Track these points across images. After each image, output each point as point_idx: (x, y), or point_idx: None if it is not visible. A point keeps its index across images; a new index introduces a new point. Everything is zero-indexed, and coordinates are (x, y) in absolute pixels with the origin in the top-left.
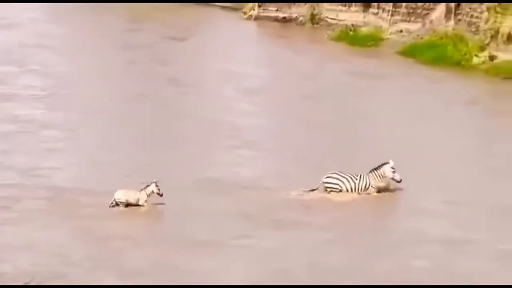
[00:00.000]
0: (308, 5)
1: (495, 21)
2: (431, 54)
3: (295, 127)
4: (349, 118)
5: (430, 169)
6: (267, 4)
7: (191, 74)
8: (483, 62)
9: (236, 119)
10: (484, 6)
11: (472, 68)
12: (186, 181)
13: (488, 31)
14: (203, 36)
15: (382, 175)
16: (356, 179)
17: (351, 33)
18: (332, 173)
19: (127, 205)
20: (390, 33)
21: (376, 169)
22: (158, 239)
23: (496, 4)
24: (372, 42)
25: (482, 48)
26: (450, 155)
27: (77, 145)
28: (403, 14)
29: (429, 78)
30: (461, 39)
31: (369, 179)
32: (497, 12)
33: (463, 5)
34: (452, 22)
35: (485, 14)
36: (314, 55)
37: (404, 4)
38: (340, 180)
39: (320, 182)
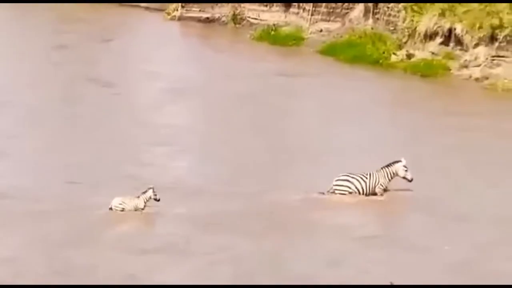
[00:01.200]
0: (230, 5)
1: (412, 20)
2: (350, 52)
3: (222, 127)
4: (274, 117)
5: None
6: (190, 4)
7: (117, 75)
8: (401, 60)
9: (163, 120)
10: (401, 5)
11: (391, 66)
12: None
13: (406, 30)
14: (128, 37)
15: (393, 174)
16: (366, 178)
17: (272, 32)
18: (341, 176)
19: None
20: (311, 33)
21: (387, 166)
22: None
23: (412, 3)
24: (293, 42)
25: (400, 47)
26: (372, 152)
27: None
28: (323, 13)
29: (349, 76)
30: (380, 37)
31: (379, 177)
32: (414, 11)
33: (381, 4)
34: (370, 21)
35: (403, 13)
36: (237, 55)
37: (324, 4)
38: (349, 181)
39: (331, 186)
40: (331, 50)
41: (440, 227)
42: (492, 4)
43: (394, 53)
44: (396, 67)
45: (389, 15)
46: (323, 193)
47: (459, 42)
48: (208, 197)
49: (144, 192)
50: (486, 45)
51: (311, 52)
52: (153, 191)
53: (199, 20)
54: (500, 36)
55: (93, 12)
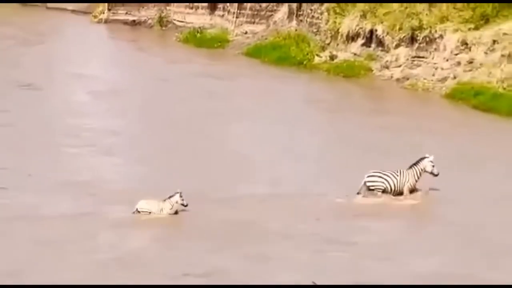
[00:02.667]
0: (156, 8)
1: (334, 22)
2: (275, 54)
3: (148, 129)
4: (199, 119)
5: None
6: (116, 7)
7: (43, 78)
8: (325, 62)
9: (89, 122)
10: (324, 7)
11: (314, 67)
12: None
13: (328, 32)
14: (55, 39)
15: (422, 171)
16: (398, 175)
17: (198, 35)
18: (373, 172)
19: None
20: (236, 35)
21: (415, 164)
22: None
23: (335, 5)
24: (219, 44)
25: (323, 48)
26: (297, 152)
27: None
28: (247, 15)
29: (274, 77)
30: (303, 39)
31: (408, 176)
32: (336, 13)
33: (305, 6)
34: (294, 23)
35: (325, 15)
36: (164, 58)
37: (248, 6)
38: (382, 178)
39: (362, 183)
40: (256, 52)
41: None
42: (412, 5)
43: (317, 55)
44: (320, 68)
45: (312, 17)
46: (358, 193)
47: (380, 43)
48: (134, 198)
49: (171, 197)
50: (406, 46)
51: (236, 54)
52: (180, 196)
53: (125, 23)
54: (420, 37)
55: (19, 16)
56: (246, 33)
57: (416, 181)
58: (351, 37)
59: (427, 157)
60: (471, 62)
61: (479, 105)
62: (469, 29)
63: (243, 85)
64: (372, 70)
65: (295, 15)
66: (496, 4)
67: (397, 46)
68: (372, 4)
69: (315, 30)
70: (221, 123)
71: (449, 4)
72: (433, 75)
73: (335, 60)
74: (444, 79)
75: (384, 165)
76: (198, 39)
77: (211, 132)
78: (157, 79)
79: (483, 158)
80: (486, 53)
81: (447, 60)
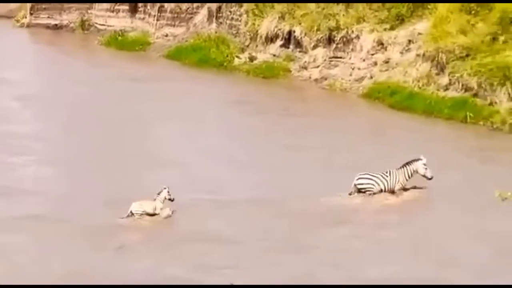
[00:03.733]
0: (78, 12)
1: (253, 24)
2: (195, 56)
3: (71, 133)
4: (122, 122)
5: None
6: (38, 11)
7: None
8: (244, 63)
9: (14, 128)
10: (243, 9)
11: (234, 69)
12: None
13: (248, 33)
14: None
15: (413, 172)
16: (387, 176)
17: (119, 38)
18: (363, 174)
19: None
20: (157, 37)
21: (407, 165)
22: None
23: (254, 7)
24: (140, 47)
25: (242, 50)
26: (216, 154)
27: None
28: (168, 18)
29: (195, 79)
30: (223, 41)
31: (398, 176)
32: (255, 15)
33: (224, 8)
34: (214, 25)
35: (244, 17)
36: (86, 61)
37: (169, 9)
38: (372, 179)
39: (352, 185)
40: (176, 55)
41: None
42: (329, 6)
43: (237, 56)
44: (240, 69)
45: (232, 19)
46: (350, 193)
47: (298, 44)
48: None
49: (159, 193)
50: (324, 47)
51: (157, 57)
52: (168, 191)
53: (47, 27)
54: (337, 38)
55: None
56: (166, 35)
57: (407, 180)
58: (270, 39)
59: (421, 159)
60: (387, 62)
61: (395, 104)
62: (385, 29)
63: (165, 88)
64: (290, 71)
65: (215, 17)
66: (411, 5)
67: (315, 47)
68: (290, 6)
69: (234, 32)
70: (144, 125)
71: (365, 5)
72: (351, 75)
73: (255, 62)
74: (361, 78)
75: (310, 166)
76: (119, 42)
77: (134, 135)
78: (80, 83)
79: (400, 157)
80: (401, 53)
81: (364, 60)
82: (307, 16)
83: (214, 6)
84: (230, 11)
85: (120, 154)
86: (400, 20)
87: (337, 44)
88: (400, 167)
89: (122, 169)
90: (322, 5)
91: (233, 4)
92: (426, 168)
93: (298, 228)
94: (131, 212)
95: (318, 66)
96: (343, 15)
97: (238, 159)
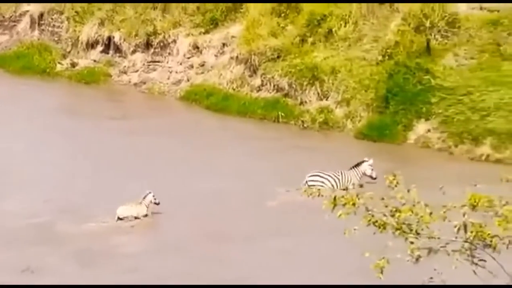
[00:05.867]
0: None
1: (74, 30)
2: (19, 63)
3: None
4: None
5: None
6: None
7: None
8: (66, 69)
9: None
10: (64, 16)
11: (57, 75)
12: None
13: (69, 40)
14: None
15: (363, 173)
16: (339, 175)
17: None
18: (314, 172)
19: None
20: None
21: (356, 166)
22: None
23: (75, 13)
24: None
25: (64, 56)
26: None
27: None
28: None
29: (19, 86)
30: (46, 48)
31: (351, 176)
32: (76, 21)
33: (46, 15)
34: (36, 33)
35: (66, 23)
36: None
37: None
38: (323, 177)
39: (303, 182)
40: (0, 62)
41: None
42: (147, 12)
43: (59, 62)
44: (62, 75)
45: (54, 26)
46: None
47: (118, 49)
48: None
49: (145, 197)
50: (142, 52)
51: None
52: (153, 195)
53: None
54: (155, 43)
55: None
56: None
57: (358, 181)
58: (91, 45)
59: (367, 161)
60: (202, 65)
61: (211, 106)
62: (200, 33)
63: None
64: (111, 76)
65: (37, 24)
66: (225, 9)
67: (134, 51)
68: (110, 12)
69: (56, 39)
70: None
71: (181, 10)
72: (168, 78)
73: (76, 67)
74: (179, 82)
75: (145, 170)
76: None
77: None
78: None
79: (214, 157)
80: (216, 56)
81: (181, 64)
82: (126, 21)
83: (36, 13)
84: (52, 18)
85: None
86: (215, 24)
87: (155, 48)
88: (350, 168)
89: None
90: (140, 10)
91: (54, 11)
92: (372, 169)
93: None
94: (118, 217)
95: (137, 71)
96: (160, 20)
97: (56, 162)
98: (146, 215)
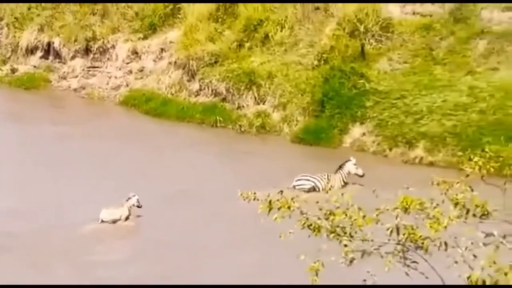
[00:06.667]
0: None
1: (14, 36)
2: None
3: None
4: None
5: None
6: None
7: None
8: (6, 75)
9: None
10: (4, 22)
11: None
12: None
13: (9, 46)
14: None
15: (348, 173)
16: (325, 178)
17: None
18: (301, 176)
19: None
20: None
21: (340, 167)
22: None
23: (14, 20)
24: None
25: (4, 62)
26: None
27: None
28: None
29: None
30: None
31: (336, 178)
32: (15, 27)
33: None
34: None
35: (5, 29)
36: None
37: None
38: (310, 180)
39: (291, 186)
40: None
41: None
42: (86, 18)
43: None
44: (2, 81)
45: None
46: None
47: (57, 55)
48: None
49: (128, 200)
50: (82, 57)
51: None
52: (137, 199)
53: None
54: (94, 48)
55: None
56: None
57: (345, 182)
58: (31, 50)
59: (350, 160)
60: (141, 70)
61: (150, 111)
62: (139, 38)
63: None
64: (51, 81)
65: None
66: (163, 14)
67: (73, 57)
68: (49, 18)
69: None
70: None
71: (120, 15)
72: (108, 83)
73: (16, 73)
74: (118, 87)
75: (97, 175)
76: None
77: None
78: None
79: (152, 161)
80: (155, 61)
81: (120, 69)
82: (65, 27)
83: None
84: None
85: None
86: (153, 30)
87: (94, 54)
88: (336, 171)
89: None
90: (79, 16)
91: None
92: (357, 168)
93: None
94: (101, 220)
95: (76, 76)
96: (99, 25)
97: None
98: (127, 218)
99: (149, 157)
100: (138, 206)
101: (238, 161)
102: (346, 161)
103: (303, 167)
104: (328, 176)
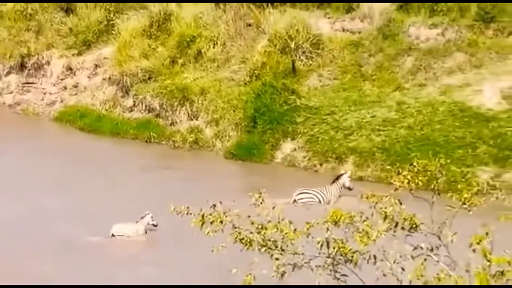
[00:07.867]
0: None
1: None
2: None
3: None
4: None
5: None
6: None
7: None
8: None
9: None
10: None
11: None
12: None
13: None
14: None
15: (343, 185)
16: (323, 191)
17: None
18: (302, 190)
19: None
20: None
21: (336, 180)
22: None
23: None
24: None
25: None
26: None
27: None
28: None
29: None
30: None
31: (333, 191)
32: None
33: None
34: None
35: None
36: None
37: None
38: (310, 194)
39: (292, 200)
40: None
41: None
42: (21, 34)
43: None
44: None
45: None
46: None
47: None
48: None
49: (143, 217)
50: (17, 73)
51: None
52: (151, 217)
53: None
54: (29, 64)
55: None
56: None
57: (340, 194)
58: None
59: (345, 173)
60: (76, 86)
61: (84, 127)
62: (73, 54)
63: None
64: None
65: None
66: (97, 30)
67: (8, 73)
68: None
69: None
70: None
71: (54, 32)
72: (43, 99)
73: None
74: (53, 103)
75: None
76: None
77: None
78: None
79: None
80: (89, 77)
81: (55, 85)
82: (0, 43)
83: None
84: None
85: None
86: (87, 46)
87: (29, 70)
88: (332, 183)
89: None
90: (14, 32)
91: None
92: (350, 181)
93: None
94: (112, 234)
95: (11, 92)
96: (34, 42)
97: None
98: (146, 232)
99: (77, 173)
100: (153, 225)
101: (167, 177)
102: (342, 174)
103: (234, 183)
104: (326, 188)
